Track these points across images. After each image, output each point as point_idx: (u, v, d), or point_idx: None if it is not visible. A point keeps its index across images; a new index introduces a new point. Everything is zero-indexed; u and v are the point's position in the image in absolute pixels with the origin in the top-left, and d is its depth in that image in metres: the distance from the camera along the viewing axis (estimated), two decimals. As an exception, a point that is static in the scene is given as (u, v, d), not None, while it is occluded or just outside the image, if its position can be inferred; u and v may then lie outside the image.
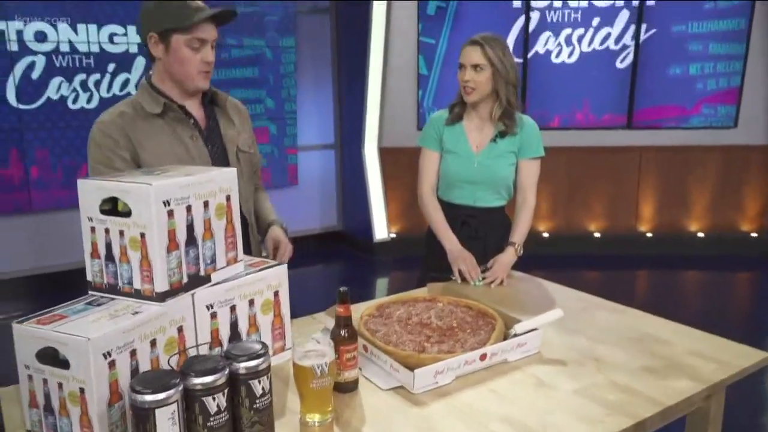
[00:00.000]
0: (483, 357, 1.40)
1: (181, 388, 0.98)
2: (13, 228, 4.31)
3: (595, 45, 5.11)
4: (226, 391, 1.03)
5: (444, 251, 2.11)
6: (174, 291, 1.13)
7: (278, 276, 1.33)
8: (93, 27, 4.32)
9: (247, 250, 1.71)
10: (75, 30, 4.26)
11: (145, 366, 1.07)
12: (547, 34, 5.11)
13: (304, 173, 5.51)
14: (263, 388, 1.07)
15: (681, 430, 1.56)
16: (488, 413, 1.24)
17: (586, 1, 5.05)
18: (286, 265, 1.35)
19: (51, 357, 1.02)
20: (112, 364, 1.01)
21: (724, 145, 5.19)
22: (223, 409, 1.03)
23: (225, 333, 1.23)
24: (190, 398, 1.00)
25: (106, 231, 1.12)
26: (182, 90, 1.68)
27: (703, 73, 5.09)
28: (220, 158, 1.74)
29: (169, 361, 1.11)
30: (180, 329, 1.15)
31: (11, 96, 4.13)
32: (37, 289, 4.37)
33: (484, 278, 2.04)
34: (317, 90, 5.52)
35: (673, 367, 1.43)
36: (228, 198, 1.24)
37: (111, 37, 4.39)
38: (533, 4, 5.05)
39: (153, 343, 1.09)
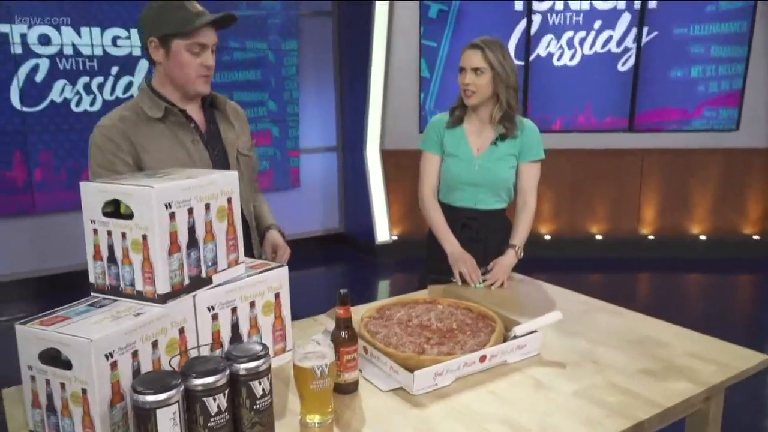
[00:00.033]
0: (482, 359, 1.41)
1: (182, 388, 0.99)
2: (16, 230, 4.33)
3: (597, 48, 5.11)
4: (226, 391, 1.04)
5: (445, 253, 2.12)
6: (175, 293, 1.14)
7: (279, 278, 1.34)
8: (96, 30, 4.33)
9: (249, 252, 1.73)
10: (78, 33, 4.28)
11: (146, 367, 1.08)
12: (548, 37, 5.12)
13: (306, 176, 5.53)
14: (264, 389, 1.08)
15: (680, 432, 1.56)
16: (488, 415, 1.24)
17: (588, 4, 5.06)
18: (287, 267, 1.36)
19: (53, 358, 1.03)
20: (114, 365, 1.02)
21: (725, 147, 5.19)
22: (223, 410, 1.04)
23: (226, 334, 1.24)
24: (191, 399, 1.01)
25: (109, 233, 1.13)
26: (183, 94, 1.69)
27: (705, 76, 5.08)
28: (220, 161, 1.75)
29: (170, 362, 1.12)
30: (181, 330, 1.16)
31: (15, 99, 4.14)
32: (39, 290, 4.38)
33: (484, 280, 2.05)
34: (319, 93, 5.53)
35: (673, 369, 1.44)
36: (229, 200, 1.25)
37: (114, 40, 4.41)
38: (535, 7, 5.06)
39: (154, 344, 1.10)
